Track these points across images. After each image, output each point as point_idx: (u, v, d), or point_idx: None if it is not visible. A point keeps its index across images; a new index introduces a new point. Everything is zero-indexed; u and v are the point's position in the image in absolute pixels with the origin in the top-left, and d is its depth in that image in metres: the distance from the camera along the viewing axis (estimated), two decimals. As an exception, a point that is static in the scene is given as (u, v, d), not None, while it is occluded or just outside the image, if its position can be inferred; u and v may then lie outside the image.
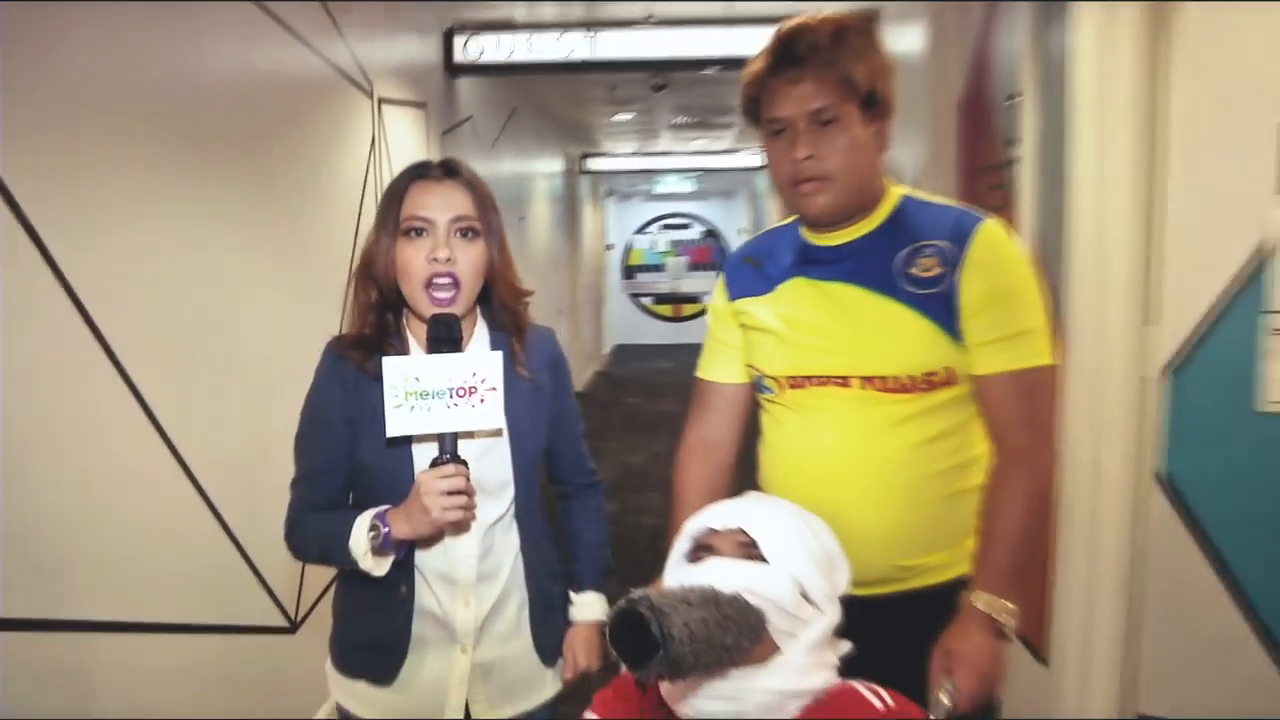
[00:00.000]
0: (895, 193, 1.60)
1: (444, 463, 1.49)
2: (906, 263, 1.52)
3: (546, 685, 1.76)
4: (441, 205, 1.57)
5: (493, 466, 1.63)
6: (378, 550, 1.51)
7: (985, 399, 1.52)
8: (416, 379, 1.46)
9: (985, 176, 3.30)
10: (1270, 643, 2.42)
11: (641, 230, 16.24)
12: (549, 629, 1.74)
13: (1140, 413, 2.38)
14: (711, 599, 1.16)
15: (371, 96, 3.75)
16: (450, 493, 1.47)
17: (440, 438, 1.50)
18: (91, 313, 2.02)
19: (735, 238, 15.75)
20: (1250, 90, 2.28)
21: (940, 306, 1.49)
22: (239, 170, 2.68)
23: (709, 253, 16.14)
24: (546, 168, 8.77)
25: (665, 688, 1.28)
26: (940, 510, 1.54)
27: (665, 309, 16.21)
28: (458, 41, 4.80)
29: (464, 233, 1.58)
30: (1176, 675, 2.44)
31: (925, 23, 3.66)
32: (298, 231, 3.09)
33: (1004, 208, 3.03)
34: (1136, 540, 2.43)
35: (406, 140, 4.24)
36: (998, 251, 1.51)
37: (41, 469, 1.89)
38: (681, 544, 1.36)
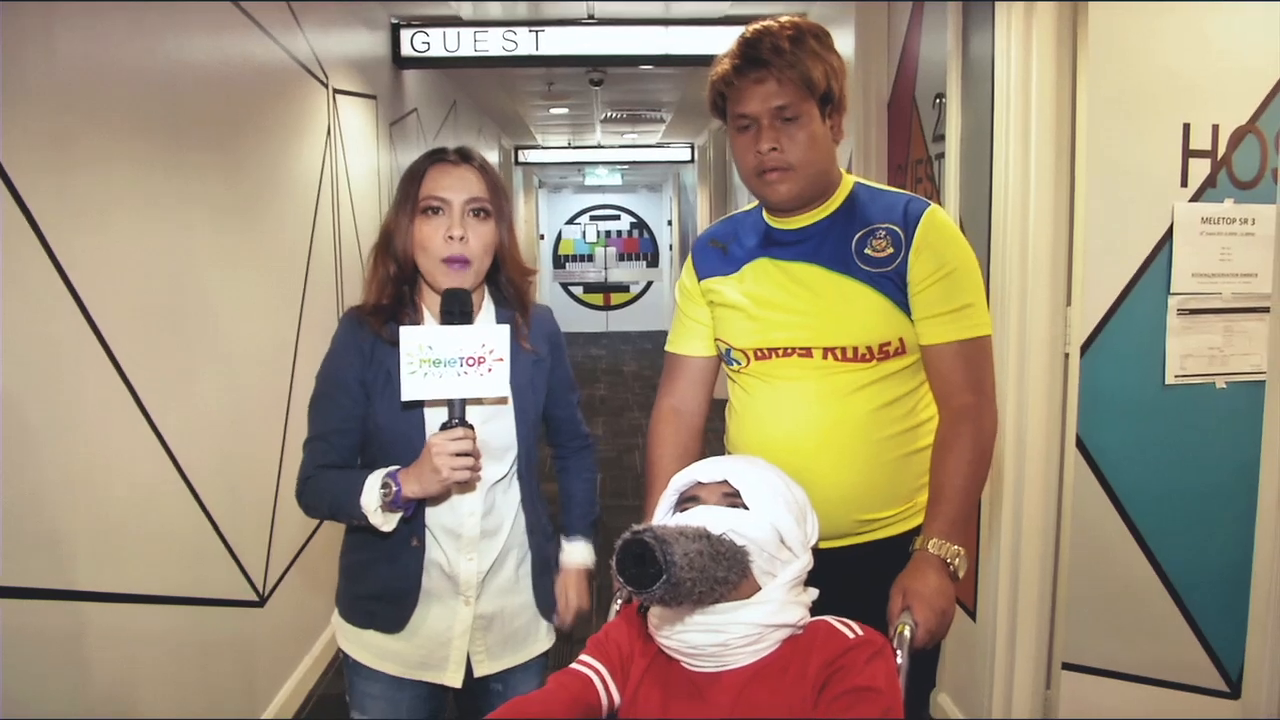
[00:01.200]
0: (849, 180, 1.77)
1: (453, 426, 1.60)
2: (861, 244, 1.69)
3: (541, 639, 1.89)
4: (457, 186, 1.69)
5: (498, 431, 1.74)
6: (387, 507, 1.62)
7: (933, 366, 1.69)
8: (430, 348, 1.57)
9: (911, 170, 3.52)
10: (1175, 594, 2.68)
11: (572, 221, 16.33)
12: (545, 585, 1.87)
13: (1062, 386, 2.61)
14: (704, 535, 1.31)
15: (327, 88, 3.83)
16: (458, 454, 1.58)
17: (450, 403, 1.61)
18: (82, 295, 2.10)
19: (662, 229, 15.95)
20: (1157, 88, 2.52)
21: (891, 283, 1.66)
22: (214, 159, 2.76)
23: (637, 243, 16.31)
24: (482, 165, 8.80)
25: (654, 623, 1.43)
26: (894, 469, 1.71)
27: (596, 298, 16.32)
28: (404, 35, 4.89)
29: (477, 213, 1.70)
30: (1094, 627, 2.68)
31: (853, 26, 3.86)
32: (266, 217, 3.17)
33: (930, 199, 3.24)
34: (1058, 504, 2.66)
35: (358, 130, 4.32)
36: (942, 234, 1.68)
37: (34, 444, 1.95)
38: (669, 497, 1.51)
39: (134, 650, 2.31)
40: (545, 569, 1.87)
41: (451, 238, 1.67)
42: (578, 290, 16.37)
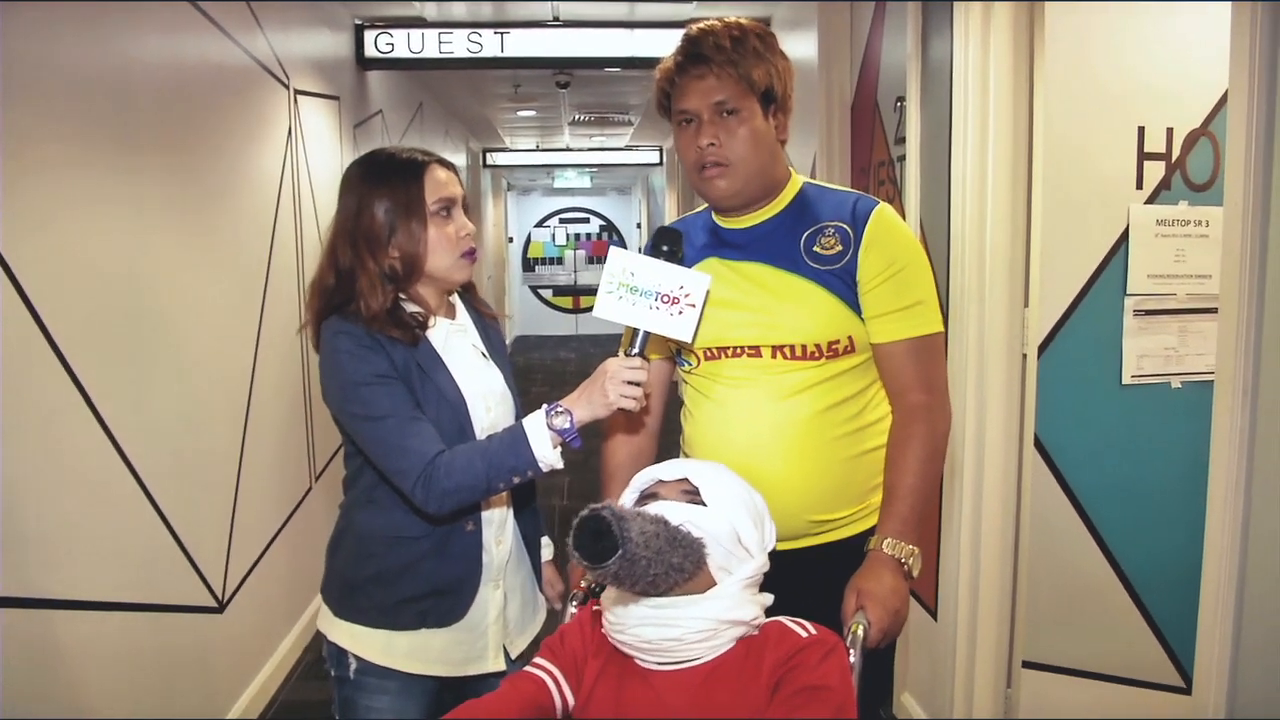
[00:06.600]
0: (797, 180, 1.78)
1: (632, 355, 1.58)
2: (810, 241, 1.69)
3: (539, 615, 1.92)
4: (454, 185, 1.74)
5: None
6: (560, 441, 1.60)
7: (884, 364, 1.70)
8: (633, 274, 1.55)
9: (873, 173, 3.53)
10: (1133, 592, 2.71)
11: (541, 224, 16.31)
12: (535, 550, 1.91)
13: (1020, 386, 2.63)
14: (662, 521, 1.32)
15: (288, 89, 3.79)
16: (630, 382, 1.57)
17: (635, 333, 1.59)
18: (30, 297, 2.06)
19: (632, 232, 15.96)
20: (1114, 90, 2.55)
21: (841, 281, 1.67)
22: (167, 160, 2.72)
23: (606, 246, 16.27)
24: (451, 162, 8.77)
25: (608, 619, 1.42)
26: (846, 469, 1.71)
27: (565, 301, 16.30)
28: (368, 36, 4.86)
29: (464, 209, 1.78)
30: (1054, 626, 2.70)
31: (816, 28, 3.88)
32: (223, 218, 3.13)
33: (891, 201, 3.26)
34: (1017, 503, 2.67)
35: (321, 132, 4.28)
36: (891, 231, 1.69)
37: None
38: (629, 495, 1.50)
39: (87, 657, 2.27)
40: (535, 534, 1.92)
41: (467, 234, 1.74)
42: (547, 293, 16.35)
